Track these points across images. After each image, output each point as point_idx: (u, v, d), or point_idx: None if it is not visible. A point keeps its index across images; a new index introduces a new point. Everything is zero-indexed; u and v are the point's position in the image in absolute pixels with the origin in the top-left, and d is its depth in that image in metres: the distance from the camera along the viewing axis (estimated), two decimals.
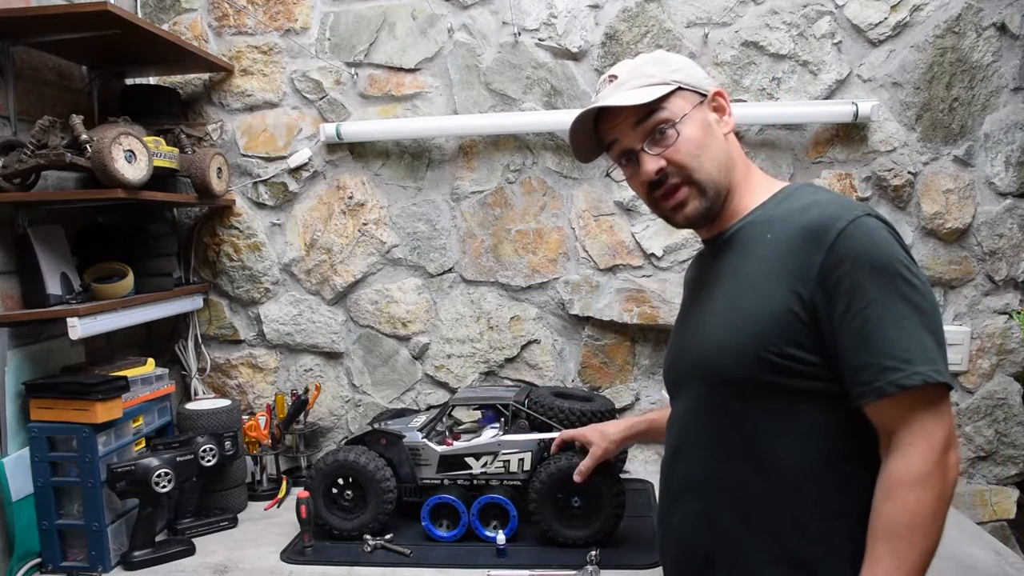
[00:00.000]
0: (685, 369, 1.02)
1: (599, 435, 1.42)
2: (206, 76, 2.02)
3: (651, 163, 0.97)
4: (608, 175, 1.20)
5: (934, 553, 0.82)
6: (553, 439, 1.53)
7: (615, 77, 1.01)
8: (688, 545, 0.99)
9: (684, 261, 1.90)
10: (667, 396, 1.11)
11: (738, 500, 0.93)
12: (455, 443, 1.59)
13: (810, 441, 0.89)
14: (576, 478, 1.41)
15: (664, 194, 0.99)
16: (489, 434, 1.60)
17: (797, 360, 0.87)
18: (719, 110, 1.01)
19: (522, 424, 1.62)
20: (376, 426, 1.64)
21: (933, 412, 0.82)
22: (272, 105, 2.01)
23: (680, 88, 0.98)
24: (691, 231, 1.20)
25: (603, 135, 1.04)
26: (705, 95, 1.00)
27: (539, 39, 1.89)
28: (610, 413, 1.66)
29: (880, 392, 0.82)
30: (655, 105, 0.96)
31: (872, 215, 0.87)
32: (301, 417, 1.95)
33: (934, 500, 0.81)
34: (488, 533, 1.54)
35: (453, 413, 1.72)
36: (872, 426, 0.86)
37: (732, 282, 0.96)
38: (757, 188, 1.01)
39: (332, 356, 2.07)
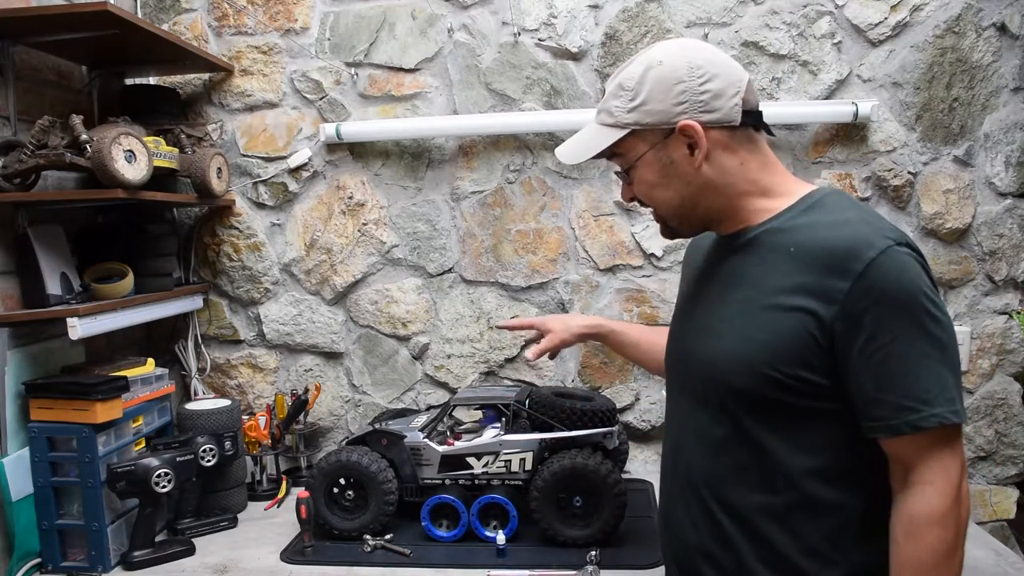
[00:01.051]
0: (691, 368, 1.01)
1: (561, 323, 1.40)
2: (206, 76, 2.01)
3: (624, 192, 1.03)
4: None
5: None
6: (555, 439, 1.53)
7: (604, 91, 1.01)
8: (689, 543, 0.99)
9: None
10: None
11: (737, 505, 0.93)
12: (456, 443, 1.59)
13: (812, 454, 0.89)
14: (527, 355, 1.39)
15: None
16: (490, 434, 1.60)
17: (806, 382, 0.86)
18: (692, 144, 0.92)
19: (523, 424, 1.62)
20: (377, 426, 1.64)
21: (949, 450, 0.83)
22: (272, 105, 2.01)
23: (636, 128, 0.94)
24: None
25: None
26: (672, 128, 0.91)
27: (539, 39, 1.89)
28: (611, 412, 1.66)
29: (895, 431, 0.83)
30: (610, 150, 0.97)
31: (903, 243, 0.84)
32: (301, 417, 1.95)
33: (953, 537, 0.82)
34: (488, 533, 1.54)
35: (454, 413, 1.72)
36: (874, 442, 0.86)
37: (750, 290, 0.92)
38: (779, 191, 0.96)
39: (332, 356, 2.07)
